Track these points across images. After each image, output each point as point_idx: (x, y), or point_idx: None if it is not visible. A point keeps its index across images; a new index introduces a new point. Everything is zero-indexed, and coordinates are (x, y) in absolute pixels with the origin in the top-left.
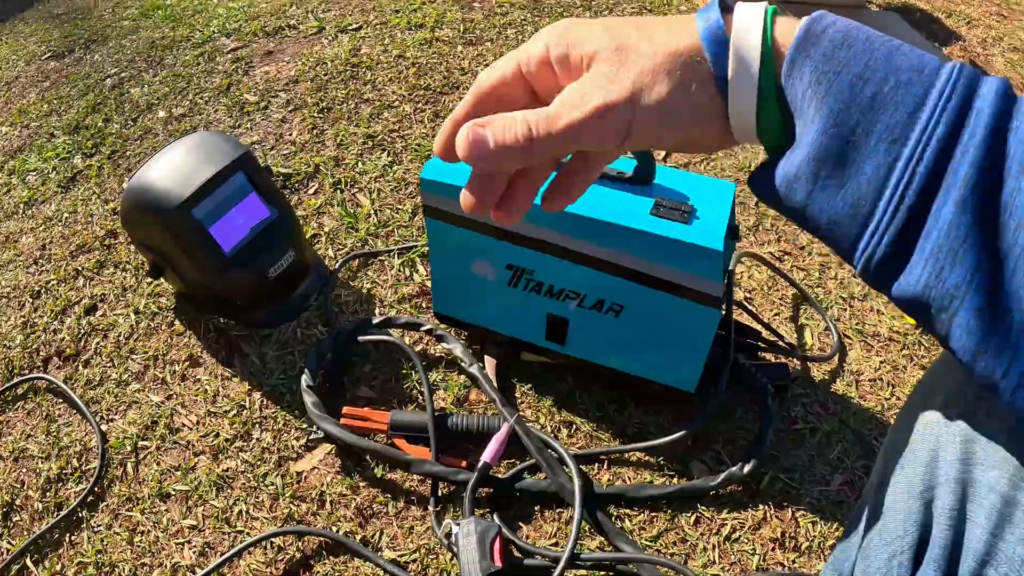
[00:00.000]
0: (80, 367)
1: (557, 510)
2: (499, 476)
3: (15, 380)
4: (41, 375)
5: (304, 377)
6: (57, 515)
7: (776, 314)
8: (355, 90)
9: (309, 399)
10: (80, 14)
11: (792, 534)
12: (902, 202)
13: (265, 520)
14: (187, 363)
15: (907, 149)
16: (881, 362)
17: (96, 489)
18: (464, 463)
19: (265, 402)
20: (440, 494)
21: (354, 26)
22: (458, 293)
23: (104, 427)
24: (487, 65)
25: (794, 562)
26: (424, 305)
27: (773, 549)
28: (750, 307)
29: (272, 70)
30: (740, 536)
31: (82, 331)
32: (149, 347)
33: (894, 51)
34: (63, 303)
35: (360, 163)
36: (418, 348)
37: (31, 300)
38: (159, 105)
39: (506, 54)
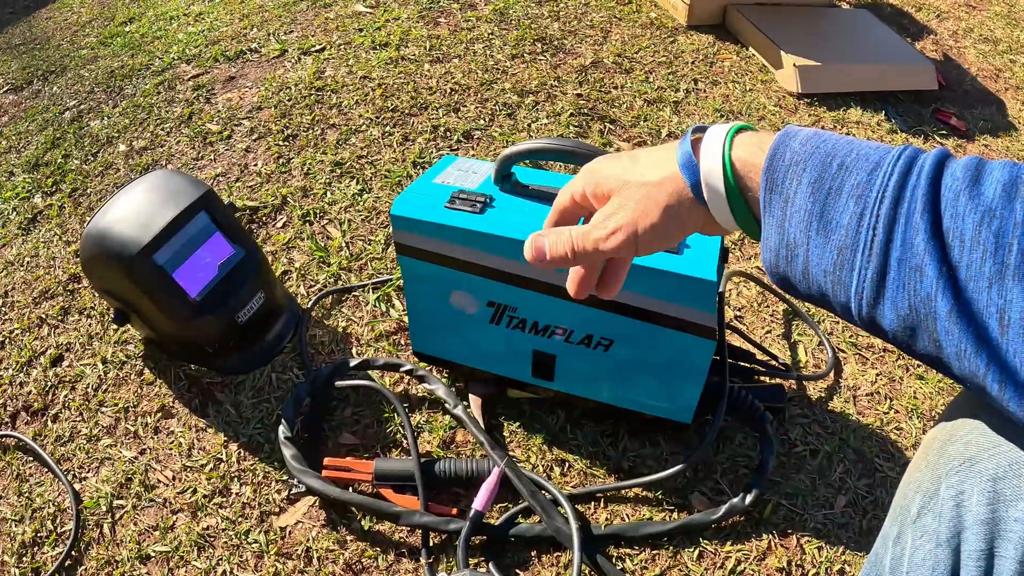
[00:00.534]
0: (49, 422)
1: (555, 554)
2: (492, 523)
3: None
4: (9, 432)
5: (281, 428)
6: None
7: (768, 331)
8: (320, 115)
9: (288, 452)
10: (38, 44)
11: (799, 562)
12: (874, 238)
13: None
14: (159, 414)
15: (870, 198)
16: (877, 375)
17: (73, 553)
18: (455, 510)
19: (243, 454)
20: (431, 544)
21: (317, 47)
22: (437, 331)
23: (77, 486)
24: (456, 83)
25: None
26: (403, 342)
27: None
28: (741, 327)
29: (234, 97)
30: (745, 568)
31: (49, 383)
32: (119, 398)
33: (854, 140)
34: (28, 354)
35: (329, 192)
36: (399, 389)
37: None
38: (119, 138)
39: (562, 189)
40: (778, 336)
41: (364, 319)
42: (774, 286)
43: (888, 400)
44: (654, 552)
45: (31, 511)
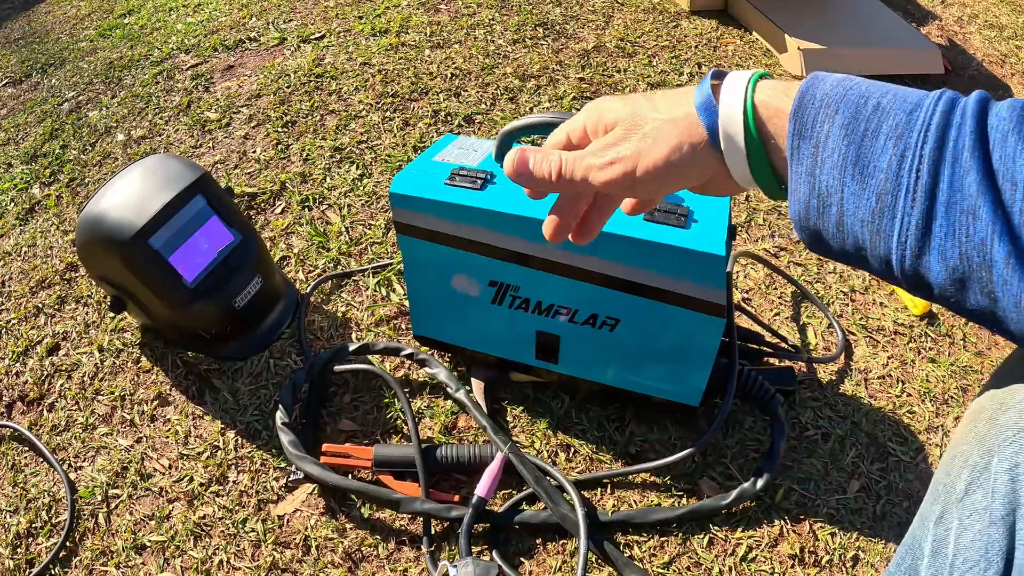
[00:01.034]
0: (45, 411)
1: (560, 542)
2: (495, 510)
3: None
4: (5, 422)
5: (279, 414)
6: (29, 572)
7: (776, 314)
8: (320, 101)
9: (286, 438)
10: (37, 38)
11: (811, 548)
12: (918, 180)
13: (248, 570)
14: (156, 402)
15: (912, 139)
16: (888, 358)
17: (68, 543)
18: (457, 497)
19: (240, 441)
20: (433, 532)
21: (317, 35)
22: (438, 313)
23: (72, 475)
24: (456, 68)
25: None
26: (403, 326)
27: (793, 566)
28: (749, 309)
29: (233, 85)
30: (757, 555)
31: (45, 372)
32: (115, 387)
33: (887, 84)
34: (24, 343)
35: (328, 178)
36: (400, 374)
37: None
38: (118, 128)
39: (559, 126)
40: (787, 319)
41: (364, 304)
42: (802, 245)
43: (900, 383)
44: (663, 539)
45: (26, 501)
